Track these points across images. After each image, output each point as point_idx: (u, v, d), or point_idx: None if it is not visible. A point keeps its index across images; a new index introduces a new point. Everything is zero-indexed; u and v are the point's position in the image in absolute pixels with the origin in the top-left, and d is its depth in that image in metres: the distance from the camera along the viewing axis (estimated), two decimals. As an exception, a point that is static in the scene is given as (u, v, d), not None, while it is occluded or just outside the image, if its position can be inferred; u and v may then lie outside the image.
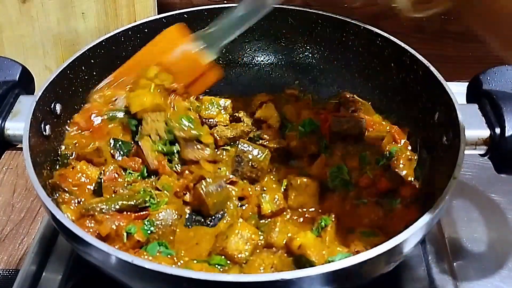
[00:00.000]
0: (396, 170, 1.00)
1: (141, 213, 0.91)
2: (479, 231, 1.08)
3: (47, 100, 0.95)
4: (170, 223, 0.92)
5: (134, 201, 0.92)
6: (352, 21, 1.13)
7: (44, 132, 0.94)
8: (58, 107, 0.98)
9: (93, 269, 0.79)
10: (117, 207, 0.90)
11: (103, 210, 0.89)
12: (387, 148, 1.04)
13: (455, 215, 1.10)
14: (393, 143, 1.06)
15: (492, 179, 1.15)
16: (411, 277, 0.96)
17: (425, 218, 0.75)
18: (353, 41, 1.15)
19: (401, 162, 1.01)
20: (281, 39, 1.23)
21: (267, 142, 1.08)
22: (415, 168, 1.00)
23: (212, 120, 1.12)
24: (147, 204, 0.93)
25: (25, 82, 0.98)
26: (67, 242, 0.85)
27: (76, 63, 1.03)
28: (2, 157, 0.93)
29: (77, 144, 0.99)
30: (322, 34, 1.18)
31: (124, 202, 0.91)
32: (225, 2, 1.29)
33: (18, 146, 0.90)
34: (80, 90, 1.06)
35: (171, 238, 0.91)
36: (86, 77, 1.07)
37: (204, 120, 1.11)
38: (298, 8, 1.19)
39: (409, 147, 1.05)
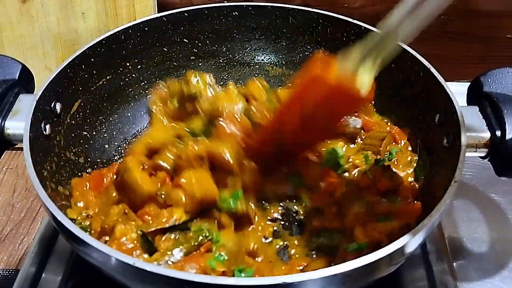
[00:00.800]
0: (396, 170, 1.00)
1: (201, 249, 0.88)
2: (479, 231, 1.08)
3: (48, 99, 0.95)
4: (235, 249, 0.90)
5: (193, 241, 0.89)
6: (353, 21, 1.13)
7: (44, 132, 0.93)
8: (58, 106, 0.98)
9: (93, 269, 0.79)
10: (183, 253, 0.86)
11: (170, 262, 0.85)
12: (387, 149, 1.05)
13: (455, 215, 1.10)
14: (393, 143, 1.06)
15: (492, 179, 1.13)
16: (411, 277, 0.96)
17: (426, 221, 0.75)
18: (354, 41, 1.14)
19: (401, 163, 1.02)
20: (282, 39, 1.23)
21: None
22: (415, 169, 1.01)
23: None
24: (208, 238, 0.90)
25: (25, 81, 0.98)
26: (67, 242, 0.85)
27: (76, 62, 1.03)
28: (2, 157, 0.92)
29: None
30: (323, 33, 1.18)
31: (186, 245, 0.88)
32: (225, 1, 1.29)
33: (18, 146, 0.90)
34: (80, 89, 1.06)
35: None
36: (86, 76, 1.06)
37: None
38: (298, 8, 1.19)
39: (409, 148, 1.05)
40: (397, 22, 0.79)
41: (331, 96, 0.85)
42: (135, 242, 0.86)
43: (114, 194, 0.95)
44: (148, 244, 0.87)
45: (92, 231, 0.90)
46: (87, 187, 0.99)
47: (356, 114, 1.11)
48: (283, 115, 0.96)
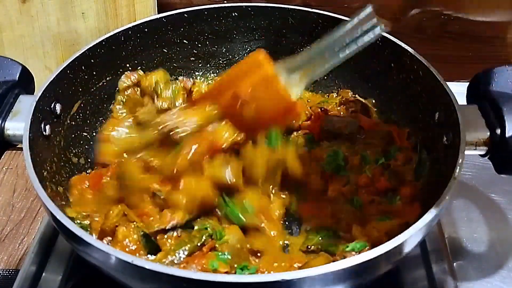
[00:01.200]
0: (396, 169, 1.00)
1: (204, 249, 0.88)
2: (479, 231, 1.08)
3: (47, 100, 0.95)
4: (239, 246, 0.89)
5: (197, 241, 0.88)
6: (352, 21, 1.13)
7: (44, 132, 0.93)
8: (58, 107, 0.98)
9: (93, 269, 0.79)
10: (186, 253, 0.86)
11: (176, 262, 0.85)
12: (387, 148, 1.04)
13: (455, 215, 1.10)
14: (393, 143, 1.06)
15: (492, 179, 1.15)
16: (411, 277, 0.96)
17: (425, 219, 0.75)
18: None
19: (401, 161, 1.02)
20: (281, 39, 1.23)
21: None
22: (415, 168, 1.00)
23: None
24: (212, 237, 0.90)
25: (25, 82, 0.98)
26: (67, 242, 0.85)
27: (76, 63, 1.03)
28: (2, 157, 0.93)
29: None
30: (322, 34, 1.17)
31: (189, 245, 0.87)
32: (225, 1, 1.29)
33: (18, 146, 0.90)
34: (80, 90, 1.06)
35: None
36: (86, 77, 1.07)
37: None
38: (298, 8, 1.19)
39: (409, 147, 1.05)
40: (326, 46, 0.90)
41: (265, 84, 0.91)
42: (138, 243, 0.86)
43: (111, 193, 0.95)
44: (152, 245, 0.87)
45: (92, 231, 0.91)
46: (86, 186, 0.99)
47: (356, 114, 1.11)
48: (219, 86, 0.99)
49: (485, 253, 1.04)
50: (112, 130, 1.05)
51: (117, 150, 1.03)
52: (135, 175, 0.93)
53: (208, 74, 1.25)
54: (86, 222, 0.92)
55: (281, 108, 0.94)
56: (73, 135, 1.04)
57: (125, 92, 1.14)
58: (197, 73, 1.25)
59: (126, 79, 1.14)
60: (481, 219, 1.10)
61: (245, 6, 1.20)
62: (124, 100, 1.14)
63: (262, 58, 0.93)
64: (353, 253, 0.83)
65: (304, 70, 0.91)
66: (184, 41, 1.21)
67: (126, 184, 0.92)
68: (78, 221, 0.91)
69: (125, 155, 1.02)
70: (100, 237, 0.89)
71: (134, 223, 0.89)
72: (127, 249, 0.85)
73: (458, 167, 0.81)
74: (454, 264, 1.00)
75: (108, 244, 0.87)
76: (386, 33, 1.07)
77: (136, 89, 1.14)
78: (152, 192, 0.92)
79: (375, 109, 1.14)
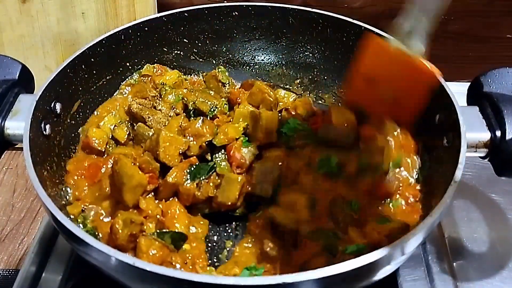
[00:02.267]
0: (397, 175, 0.98)
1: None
2: (479, 231, 1.08)
3: (47, 99, 0.95)
4: None
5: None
6: (353, 21, 1.13)
7: (44, 132, 0.93)
8: (58, 106, 0.98)
9: (93, 269, 0.79)
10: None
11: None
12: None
13: (455, 215, 1.10)
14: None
15: (492, 179, 1.13)
16: (411, 277, 0.96)
17: (426, 221, 0.75)
18: (354, 41, 1.14)
19: (402, 166, 1.00)
20: (282, 39, 1.23)
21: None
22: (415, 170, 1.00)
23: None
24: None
25: (25, 81, 0.98)
26: (67, 242, 0.85)
27: (76, 62, 1.03)
28: (2, 157, 0.93)
29: None
30: (323, 33, 1.18)
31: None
32: (225, 1, 1.29)
33: (18, 146, 0.90)
34: (80, 89, 1.06)
35: None
36: (86, 76, 1.06)
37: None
38: (298, 8, 1.19)
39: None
40: None
41: (392, 64, 0.93)
42: (161, 247, 0.86)
43: (107, 189, 0.94)
44: (179, 236, 0.89)
45: (100, 235, 0.90)
46: (82, 176, 0.98)
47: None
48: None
49: (485, 253, 1.04)
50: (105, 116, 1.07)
51: (105, 138, 1.04)
52: (130, 167, 0.92)
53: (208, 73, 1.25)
54: (90, 224, 0.91)
55: (414, 75, 0.93)
56: (73, 135, 1.04)
57: (142, 78, 1.15)
58: (197, 72, 1.25)
59: (152, 68, 1.17)
60: (481, 219, 1.10)
61: (246, 5, 1.20)
62: (135, 82, 1.15)
63: (370, 39, 0.97)
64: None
65: (419, 23, 0.88)
66: (184, 40, 1.21)
67: (122, 182, 0.92)
68: (80, 222, 0.91)
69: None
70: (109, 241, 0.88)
71: (144, 227, 0.88)
72: (155, 259, 0.85)
73: (458, 170, 0.81)
74: (454, 264, 1.00)
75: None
76: (386, 33, 1.07)
77: (151, 80, 1.15)
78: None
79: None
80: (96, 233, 0.90)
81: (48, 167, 0.93)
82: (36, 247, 0.99)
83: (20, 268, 0.97)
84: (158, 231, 0.88)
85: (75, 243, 0.76)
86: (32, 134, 0.87)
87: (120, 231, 0.85)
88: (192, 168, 0.98)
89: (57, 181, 0.95)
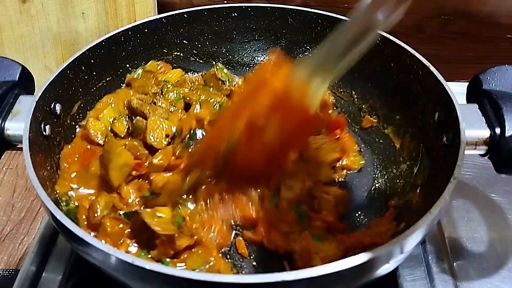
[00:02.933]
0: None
1: None
2: (479, 231, 1.07)
3: (47, 100, 0.95)
4: None
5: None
6: (352, 21, 1.13)
7: (44, 132, 0.94)
8: (58, 107, 0.98)
9: (93, 269, 0.79)
10: None
11: None
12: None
13: (455, 215, 1.10)
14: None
15: (492, 179, 1.15)
16: (411, 277, 0.96)
17: (425, 219, 0.75)
18: (353, 41, 1.14)
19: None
20: (281, 39, 1.23)
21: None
22: (414, 170, 1.00)
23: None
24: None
25: (25, 82, 0.98)
26: (67, 242, 0.85)
27: (76, 63, 1.03)
28: (2, 157, 0.93)
29: None
30: (322, 34, 1.18)
31: None
32: (225, 2, 1.29)
33: (18, 146, 0.90)
34: (80, 90, 1.06)
35: None
36: (86, 77, 1.07)
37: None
38: (298, 8, 1.19)
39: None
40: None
41: (279, 104, 0.81)
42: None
43: (93, 168, 0.96)
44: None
45: (84, 217, 0.91)
46: (75, 159, 1.00)
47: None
48: (227, 119, 0.91)
49: (485, 253, 1.04)
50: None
51: (104, 130, 1.05)
52: (119, 149, 0.93)
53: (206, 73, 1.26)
54: (73, 204, 0.93)
55: (303, 121, 0.86)
56: (73, 135, 1.04)
57: (146, 73, 1.16)
58: (196, 73, 1.25)
59: (156, 65, 1.18)
60: (481, 219, 1.10)
61: (245, 6, 1.20)
62: (138, 77, 1.16)
63: (268, 75, 0.84)
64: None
65: (323, 70, 0.81)
66: (184, 41, 1.21)
67: (109, 158, 0.93)
68: (64, 201, 0.93)
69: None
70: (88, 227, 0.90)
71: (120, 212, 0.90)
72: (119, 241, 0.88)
73: (458, 167, 0.81)
74: (454, 264, 1.00)
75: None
76: (386, 32, 1.07)
77: (153, 77, 1.16)
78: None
79: (375, 110, 1.14)
80: (77, 215, 0.92)
81: (48, 167, 0.93)
82: (36, 247, 0.99)
83: (20, 268, 0.97)
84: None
85: (74, 242, 0.76)
86: (32, 135, 0.87)
87: (99, 211, 0.88)
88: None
89: (57, 181, 0.95)
